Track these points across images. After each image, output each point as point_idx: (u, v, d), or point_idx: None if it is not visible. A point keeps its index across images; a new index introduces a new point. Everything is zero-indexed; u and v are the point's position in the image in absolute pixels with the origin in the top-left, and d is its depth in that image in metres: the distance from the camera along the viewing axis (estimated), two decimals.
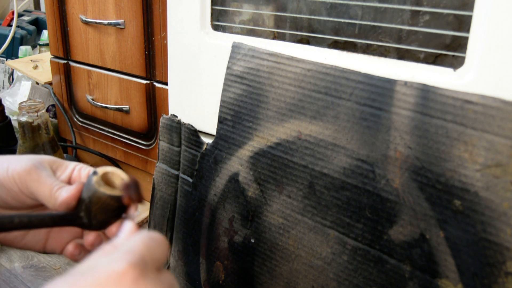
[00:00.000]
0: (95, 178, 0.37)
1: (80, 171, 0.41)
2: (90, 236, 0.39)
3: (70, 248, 0.41)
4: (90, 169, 0.41)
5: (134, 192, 0.37)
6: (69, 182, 0.41)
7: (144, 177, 1.04)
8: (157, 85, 0.90)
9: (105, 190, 0.37)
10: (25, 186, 0.37)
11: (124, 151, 1.03)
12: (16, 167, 0.37)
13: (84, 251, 0.40)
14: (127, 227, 0.34)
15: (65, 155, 0.88)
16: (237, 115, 0.54)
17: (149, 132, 0.95)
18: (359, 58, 0.46)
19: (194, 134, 0.61)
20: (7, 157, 0.39)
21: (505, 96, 0.36)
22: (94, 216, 0.37)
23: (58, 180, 0.39)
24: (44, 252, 0.41)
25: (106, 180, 0.38)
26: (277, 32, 0.56)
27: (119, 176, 0.39)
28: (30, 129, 0.79)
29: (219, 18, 0.59)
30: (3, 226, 0.34)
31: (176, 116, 0.63)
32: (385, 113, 0.42)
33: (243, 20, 0.59)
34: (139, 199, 0.37)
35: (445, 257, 0.40)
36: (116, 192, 0.37)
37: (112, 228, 0.39)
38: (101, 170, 0.38)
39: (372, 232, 0.45)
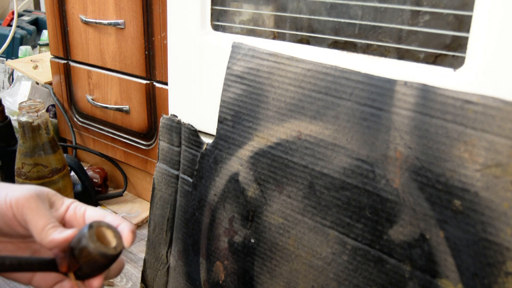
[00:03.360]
0: (89, 232, 0.37)
1: (75, 210, 0.41)
2: (67, 285, 0.40)
3: None
4: (86, 208, 0.41)
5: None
6: (62, 219, 0.41)
7: (144, 177, 1.04)
8: (157, 85, 0.90)
9: (96, 247, 0.37)
10: (20, 212, 0.36)
11: (124, 151, 1.03)
12: (15, 194, 0.37)
13: None
14: None
15: (65, 155, 0.88)
16: (237, 115, 0.54)
17: (149, 132, 0.95)
18: (359, 58, 0.46)
19: (194, 134, 0.61)
20: (7, 186, 0.38)
21: (505, 96, 0.36)
22: (80, 267, 0.38)
23: (54, 217, 0.38)
24: (29, 285, 0.42)
25: (99, 233, 0.38)
26: (277, 32, 0.56)
27: (112, 232, 0.39)
28: (30, 129, 0.79)
29: (219, 18, 0.59)
30: None
31: (176, 116, 0.63)
32: (385, 113, 0.42)
33: (243, 20, 0.59)
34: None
35: (445, 257, 0.40)
36: (106, 250, 0.37)
37: (93, 282, 0.39)
38: (96, 224, 0.38)
39: (372, 232, 0.45)
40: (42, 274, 0.41)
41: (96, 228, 0.38)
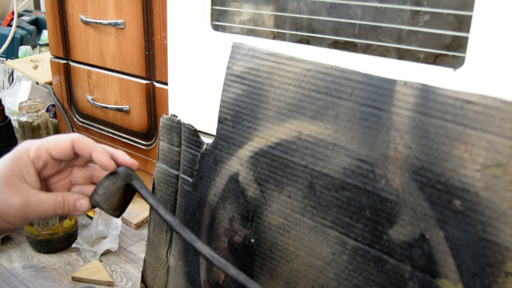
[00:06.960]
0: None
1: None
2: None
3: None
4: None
5: None
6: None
7: (144, 177, 1.04)
8: (157, 85, 0.90)
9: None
10: (78, 148, 0.47)
11: (124, 151, 1.03)
12: (70, 136, 0.48)
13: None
14: None
15: None
16: (237, 115, 0.54)
17: (149, 132, 0.95)
18: (359, 58, 0.46)
19: (194, 134, 0.61)
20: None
21: (505, 96, 0.36)
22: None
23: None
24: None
25: None
26: (277, 32, 0.56)
27: None
28: (30, 129, 0.79)
29: (219, 18, 0.59)
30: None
31: (176, 116, 0.63)
32: (385, 113, 0.42)
33: (243, 20, 0.59)
34: None
35: (445, 257, 0.40)
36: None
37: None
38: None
39: (372, 232, 0.45)
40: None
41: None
